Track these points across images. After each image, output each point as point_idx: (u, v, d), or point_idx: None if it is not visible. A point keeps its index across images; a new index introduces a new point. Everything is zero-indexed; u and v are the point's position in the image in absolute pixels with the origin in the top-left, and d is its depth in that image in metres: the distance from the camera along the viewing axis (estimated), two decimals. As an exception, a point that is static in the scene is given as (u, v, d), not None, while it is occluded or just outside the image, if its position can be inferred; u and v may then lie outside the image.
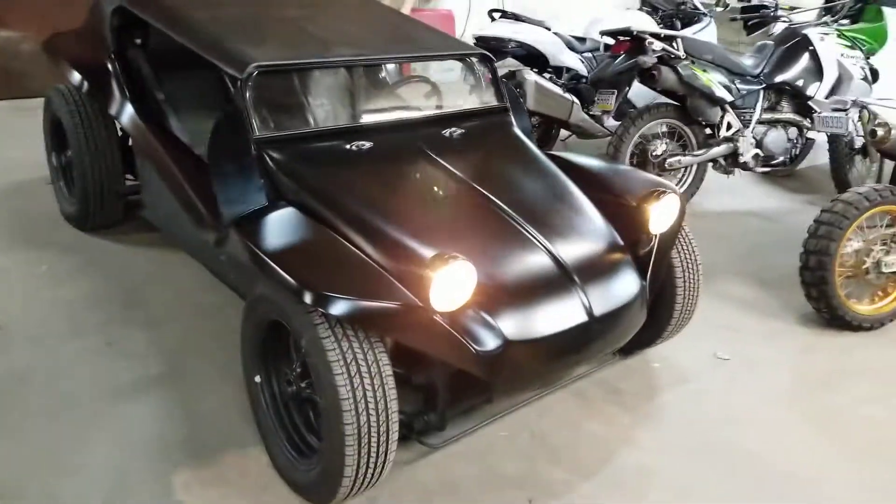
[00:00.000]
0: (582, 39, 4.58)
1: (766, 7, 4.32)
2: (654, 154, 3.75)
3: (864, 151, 3.43)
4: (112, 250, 3.23)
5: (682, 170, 3.93)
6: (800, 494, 2.04)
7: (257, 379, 1.98)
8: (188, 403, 2.25)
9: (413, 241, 1.92)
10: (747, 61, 4.03)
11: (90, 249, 3.22)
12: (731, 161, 3.98)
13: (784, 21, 4.27)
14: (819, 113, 3.25)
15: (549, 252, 2.02)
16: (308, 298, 1.64)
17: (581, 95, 4.26)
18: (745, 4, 4.40)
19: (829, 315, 2.83)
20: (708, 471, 2.10)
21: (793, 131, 4.09)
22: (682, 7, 4.93)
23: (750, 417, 2.35)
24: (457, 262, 1.70)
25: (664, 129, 3.87)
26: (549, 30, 4.47)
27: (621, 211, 2.25)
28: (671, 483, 2.04)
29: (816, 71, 4.00)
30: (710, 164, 4.00)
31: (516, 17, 4.48)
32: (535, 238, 2.05)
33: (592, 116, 4.28)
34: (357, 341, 1.67)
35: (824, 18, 4.16)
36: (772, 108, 4.05)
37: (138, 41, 2.92)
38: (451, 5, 6.75)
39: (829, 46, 4.04)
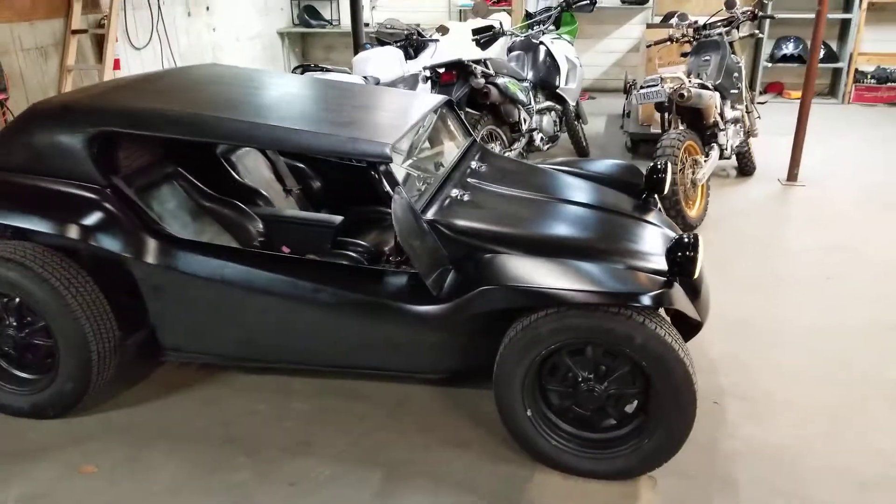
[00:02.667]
0: (376, 79, 5.22)
1: (493, 27, 5.56)
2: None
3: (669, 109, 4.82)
4: (159, 408, 2.81)
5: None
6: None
7: (528, 413, 2.37)
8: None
9: (594, 240, 2.58)
10: (517, 68, 5.22)
11: (122, 423, 2.72)
12: (528, 147, 5.17)
13: (509, 36, 5.58)
14: (638, 90, 4.58)
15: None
16: (648, 300, 2.14)
17: None
18: (476, 27, 5.57)
19: (682, 223, 4.19)
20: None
21: (553, 114, 5.46)
22: (412, 37, 5.90)
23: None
24: (700, 239, 2.35)
25: (485, 133, 4.85)
26: (350, 74, 5.02)
27: None
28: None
29: (554, 66, 5.39)
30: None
31: (322, 69, 4.91)
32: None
33: None
34: (657, 324, 2.19)
35: (540, 28, 5.57)
36: (538, 101, 5.35)
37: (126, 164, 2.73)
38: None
39: (558, 46, 5.46)
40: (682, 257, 2.29)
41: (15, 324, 2.65)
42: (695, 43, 5.03)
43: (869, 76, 8.34)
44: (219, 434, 2.67)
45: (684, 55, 5.24)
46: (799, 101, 5.25)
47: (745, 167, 5.45)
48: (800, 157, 5.31)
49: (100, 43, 5.80)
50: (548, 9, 5.79)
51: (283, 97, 3.02)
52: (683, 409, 2.22)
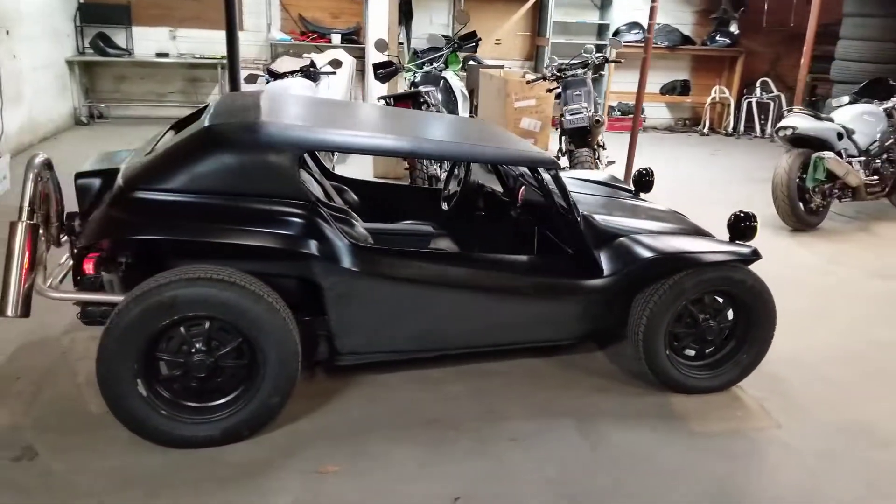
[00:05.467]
0: None
1: (391, 63, 6.15)
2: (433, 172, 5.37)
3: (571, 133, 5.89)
4: (335, 411, 2.95)
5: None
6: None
7: (668, 353, 3.14)
8: None
9: (666, 221, 3.46)
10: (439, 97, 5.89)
11: (312, 429, 2.84)
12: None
13: (407, 71, 6.22)
14: (565, 116, 5.49)
15: None
16: (752, 255, 3.10)
17: None
18: (377, 63, 6.11)
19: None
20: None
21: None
22: (312, 69, 6.21)
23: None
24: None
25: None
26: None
27: None
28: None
29: (454, 98, 6.17)
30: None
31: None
32: None
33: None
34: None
35: (433, 66, 6.29)
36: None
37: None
38: None
39: (454, 80, 6.25)
40: (745, 226, 3.29)
41: (204, 349, 2.64)
42: (563, 81, 6.24)
43: (616, 109, 10.61)
44: (416, 419, 2.96)
45: (550, 90, 6.44)
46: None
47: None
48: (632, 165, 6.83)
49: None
50: (434, 48, 6.57)
51: (416, 120, 3.46)
52: (771, 329, 3.21)
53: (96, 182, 2.90)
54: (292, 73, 6.16)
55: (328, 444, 2.77)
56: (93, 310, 2.85)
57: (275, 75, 6.16)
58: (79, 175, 2.93)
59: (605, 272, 3.10)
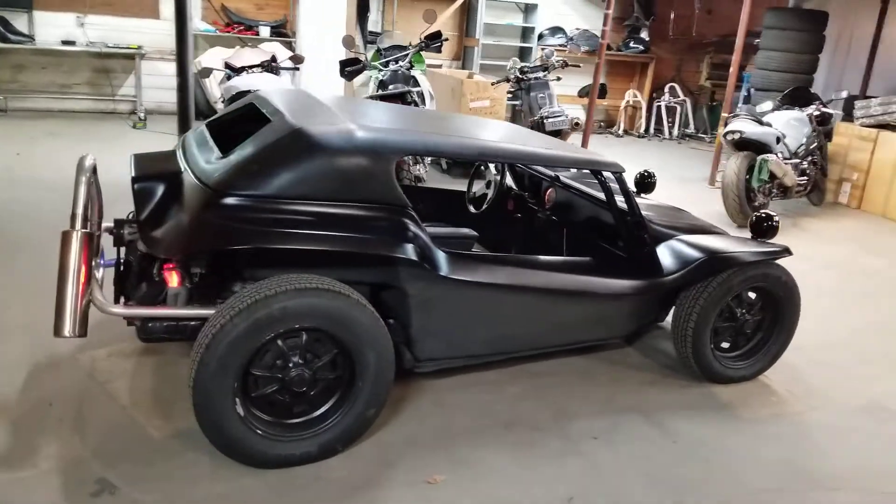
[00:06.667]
0: None
1: (358, 60, 6.02)
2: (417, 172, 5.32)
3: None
4: (409, 419, 2.70)
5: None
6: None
7: (712, 346, 3.31)
8: None
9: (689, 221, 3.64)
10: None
11: (398, 439, 2.63)
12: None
13: (372, 69, 6.10)
14: (548, 119, 5.55)
15: None
16: (786, 253, 3.28)
17: None
18: (343, 59, 5.96)
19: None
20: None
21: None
22: (273, 64, 5.96)
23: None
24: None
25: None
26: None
27: None
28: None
29: (423, 97, 6.13)
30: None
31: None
32: None
33: None
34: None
35: (400, 65, 6.19)
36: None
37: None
38: None
39: (423, 78, 6.19)
40: (767, 226, 3.55)
41: (301, 362, 2.50)
42: (525, 83, 6.37)
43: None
44: (494, 421, 2.95)
45: (510, 92, 6.56)
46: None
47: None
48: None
49: None
50: (398, 47, 6.47)
51: (473, 125, 3.43)
52: (796, 319, 3.48)
53: (159, 186, 2.66)
54: (252, 67, 5.88)
55: (420, 454, 2.70)
56: (156, 326, 2.62)
57: (235, 70, 5.85)
58: (137, 178, 2.68)
59: (664, 273, 3.24)
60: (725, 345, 3.48)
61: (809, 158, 6.82)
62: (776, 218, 3.57)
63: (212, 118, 3.24)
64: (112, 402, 2.86)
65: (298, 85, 6.10)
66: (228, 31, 9.12)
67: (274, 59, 6.02)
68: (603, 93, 11.56)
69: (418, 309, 2.78)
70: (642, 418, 3.10)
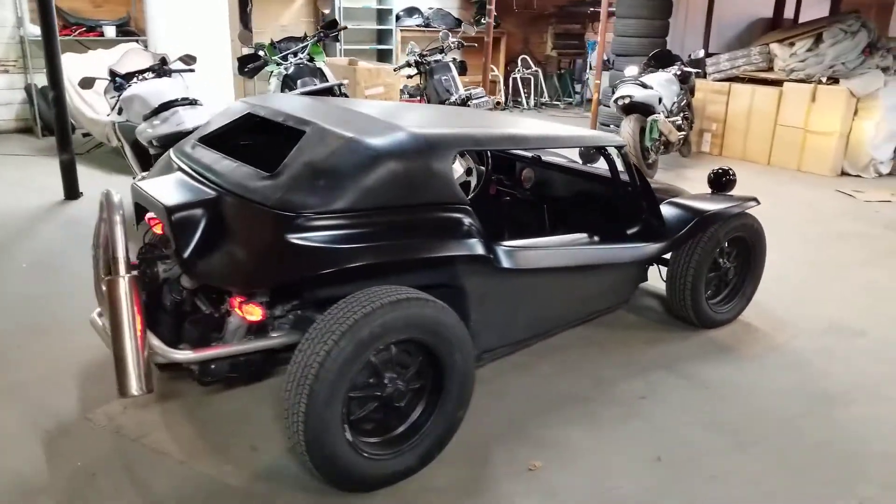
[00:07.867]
0: None
1: (258, 56, 5.68)
2: None
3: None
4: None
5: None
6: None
7: (708, 293, 3.60)
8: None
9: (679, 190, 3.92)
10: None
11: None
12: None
13: (278, 65, 5.78)
14: (472, 101, 5.52)
15: None
16: (756, 204, 3.62)
17: None
18: (241, 56, 5.60)
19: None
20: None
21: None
22: (164, 67, 5.45)
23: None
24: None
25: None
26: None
27: None
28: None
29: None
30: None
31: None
32: None
33: None
34: None
35: (299, 56, 5.89)
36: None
37: None
38: None
39: (328, 71, 5.95)
40: (725, 180, 3.91)
41: (394, 375, 2.41)
42: (427, 67, 6.37)
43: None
44: (550, 401, 3.04)
45: (410, 77, 6.53)
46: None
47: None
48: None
49: None
50: (294, 38, 6.15)
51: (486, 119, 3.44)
52: (763, 262, 3.88)
53: (200, 214, 2.41)
54: (142, 73, 5.34)
55: (506, 446, 2.73)
56: (221, 366, 2.40)
57: (123, 77, 5.27)
58: (174, 209, 2.40)
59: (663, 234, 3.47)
60: (708, 292, 3.81)
61: (682, 115, 7.49)
62: (732, 172, 3.94)
63: (204, 134, 2.96)
64: (164, 458, 2.58)
65: (189, 87, 5.63)
66: (68, 34, 8.15)
67: (164, 61, 5.50)
68: (463, 70, 11.86)
69: (477, 303, 2.77)
70: (667, 372, 3.33)
